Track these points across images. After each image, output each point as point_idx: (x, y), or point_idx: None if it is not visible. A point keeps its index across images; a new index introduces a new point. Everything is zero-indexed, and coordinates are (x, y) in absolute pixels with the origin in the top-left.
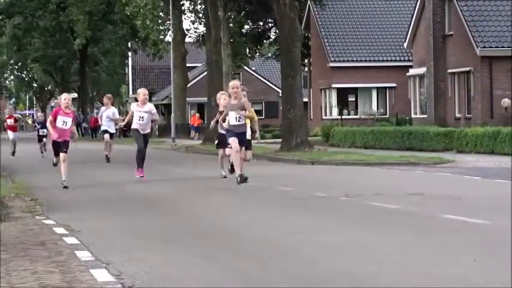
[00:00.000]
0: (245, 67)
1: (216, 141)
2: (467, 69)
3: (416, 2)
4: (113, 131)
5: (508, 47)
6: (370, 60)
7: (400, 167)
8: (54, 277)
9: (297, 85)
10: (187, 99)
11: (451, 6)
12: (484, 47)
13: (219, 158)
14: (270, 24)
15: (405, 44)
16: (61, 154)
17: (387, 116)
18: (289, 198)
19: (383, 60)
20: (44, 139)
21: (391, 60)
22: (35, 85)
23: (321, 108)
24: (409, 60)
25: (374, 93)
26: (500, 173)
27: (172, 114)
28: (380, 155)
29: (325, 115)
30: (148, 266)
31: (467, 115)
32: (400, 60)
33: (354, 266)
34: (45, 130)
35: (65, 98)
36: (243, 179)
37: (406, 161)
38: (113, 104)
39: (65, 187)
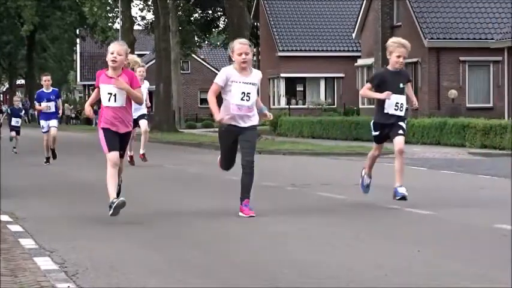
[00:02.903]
0: (193, 55)
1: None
2: (414, 60)
3: None
4: (144, 112)
5: (455, 39)
6: (318, 50)
7: (347, 157)
8: None
9: None
10: None
11: None
12: (432, 38)
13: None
14: (219, 13)
15: (353, 35)
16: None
17: (335, 106)
18: (235, 187)
19: (331, 50)
20: (14, 133)
21: (340, 51)
22: None
23: (269, 97)
24: (357, 51)
25: (322, 83)
26: (446, 164)
27: None
28: (327, 145)
29: (273, 104)
30: (93, 254)
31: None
32: (348, 51)
33: (300, 255)
34: (19, 120)
35: (113, 51)
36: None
37: (354, 151)
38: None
39: (114, 210)
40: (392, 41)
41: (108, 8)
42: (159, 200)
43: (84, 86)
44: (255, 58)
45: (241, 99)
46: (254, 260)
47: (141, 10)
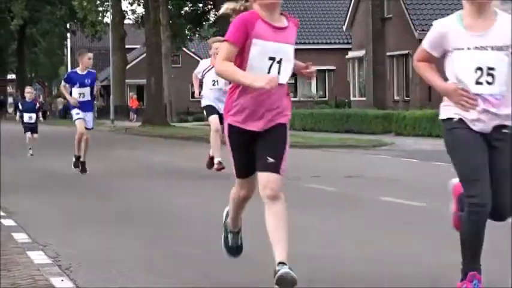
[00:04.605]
0: (184, 49)
1: None
2: (405, 52)
3: None
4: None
5: None
6: (309, 43)
7: (338, 149)
8: None
9: None
10: (127, 80)
11: None
12: (423, 30)
13: None
14: (209, 6)
15: (344, 27)
16: (271, 201)
17: (326, 98)
18: (227, 180)
19: (322, 43)
20: (29, 133)
21: (331, 43)
22: None
23: None
24: (348, 43)
25: None
26: (438, 155)
27: (111, 96)
28: (319, 137)
29: None
30: (86, 248)
31: (405, 98)
32: (339, 43)
33: (290, 248)
34: (32, 115)
35: None
36: None
37: (345, 144)
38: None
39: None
40: None
41: (98, 1)
42: (153, 194)
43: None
44: None
45: (477, 81)
46: (247, 252)
47: (131, 4)
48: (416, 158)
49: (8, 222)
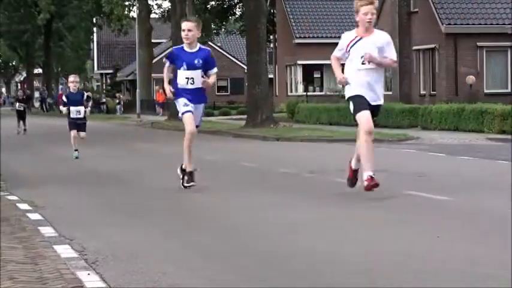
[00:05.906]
0: (210, 43)
1: None
2: (432, 46)
3: None
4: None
5: (473, 24)
6: (335, 37)
7: None
8: (17, 253)
9: (262, 61)
10: (153, 75)
11: None
12: (449, 24)
13: None
14: (235, 0)
15: None
16: None
17: None
18: (253, 174)
19: None
20: (74, 132)
21: None
22: None
23: (287, 84)
24: None
25: None
26: (464, 149)
27: (137, 90)
28: (345, 131)
29: (291, 91)
30: (112, 241)
31: (432, 92)
32: None
33: (316, 242)
34: (81, 109)
35: None
36: None
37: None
38: None
39: None
40: None
41: None
42: (179, 188)
43: (101, 74)
44: (271, 45)
45: None
46: (271, 246)
47: None
48: (443, 152)
49: (35, 216)
